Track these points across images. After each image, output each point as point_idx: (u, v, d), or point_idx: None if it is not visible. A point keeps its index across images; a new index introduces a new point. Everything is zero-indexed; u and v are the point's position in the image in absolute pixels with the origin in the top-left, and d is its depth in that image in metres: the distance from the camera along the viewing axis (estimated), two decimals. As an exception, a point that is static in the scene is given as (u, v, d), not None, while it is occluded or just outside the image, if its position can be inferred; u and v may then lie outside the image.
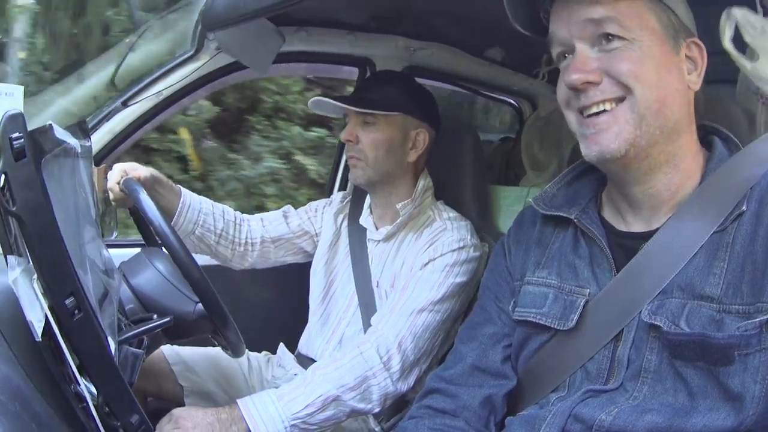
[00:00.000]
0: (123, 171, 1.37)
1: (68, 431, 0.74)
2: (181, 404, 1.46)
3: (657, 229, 0.88)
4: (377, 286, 1.51)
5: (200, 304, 1.13)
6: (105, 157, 1.56)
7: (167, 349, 1.52)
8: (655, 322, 0.83)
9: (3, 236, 0.81)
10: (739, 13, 0.84)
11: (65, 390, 0.78)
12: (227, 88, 4.08)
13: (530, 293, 0.98)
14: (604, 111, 0.85)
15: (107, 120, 1.55)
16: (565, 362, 0.92)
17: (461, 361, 1.02)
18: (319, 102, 1.54)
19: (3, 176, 0.73)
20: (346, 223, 1.66)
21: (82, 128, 1.08)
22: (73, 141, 0.91)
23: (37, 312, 0.74)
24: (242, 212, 1.66)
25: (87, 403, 0.78)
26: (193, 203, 1.52)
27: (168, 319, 1.06)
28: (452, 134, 1.64)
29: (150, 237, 1.33)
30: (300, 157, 4.67)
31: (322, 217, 1.70)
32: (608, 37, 0.84)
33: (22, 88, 0.84)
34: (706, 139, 0.92)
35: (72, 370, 0.77)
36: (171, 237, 1.10)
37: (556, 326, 0.93)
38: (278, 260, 1.70)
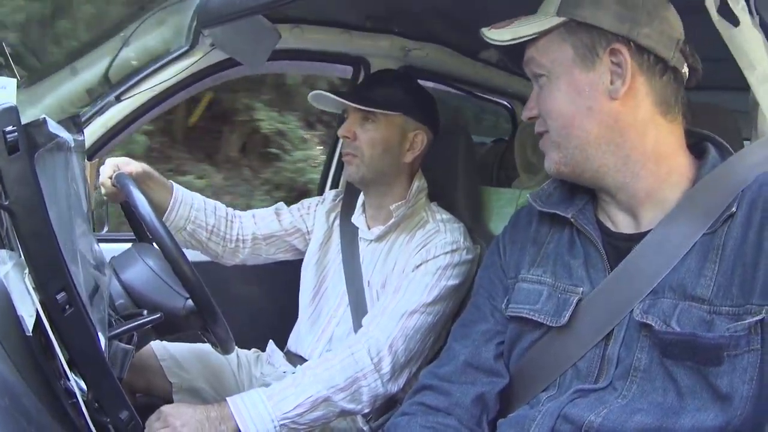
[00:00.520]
0: (115, 165, 1.36)
1: (58, 427, 0.74)
2: (170, 400, 1.45)
3: (649, 231, 0.89)
4: (368, 286, 1.51)
5: (190, 300, 1.13)
6: (98, 151, 1.55)
7: (156, 345, 1.52)
8: (647, 321, 0.84)
9: (-5, 230, 0.81)
10: None
11: (55, 385, 0.78)
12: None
13: (524, 290, 0.99)
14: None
15: (100, 114, 1.54)
16: (557, 360, 0.93)
17: (454, 359, 1.02)
18: (319, 96, 1.51)
19: (-5, 170, 0.72)
20: (338, 221, 1.65)
21: (75, 122, 1.08)
22: (66, 135, 0.91)
23: (28, 306, 0.74)
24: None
25: (77, 398, 0.78)
26: (185, 199, 1.52)
27: (158, 315, 1.06)
28: (445, 135, 1.65)
29: (141, 232, 1.33)
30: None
31: (315, 214, 1.69)
32: (536, 75, 0.96)
33: (15, 80, 0.83)
34: (700, 146, 0.94)
35: (62, 366, 0.76)
36: (162, 232, 1.10)
37: (548, 323, 0.94)
38: (269, 257, 1.69)
